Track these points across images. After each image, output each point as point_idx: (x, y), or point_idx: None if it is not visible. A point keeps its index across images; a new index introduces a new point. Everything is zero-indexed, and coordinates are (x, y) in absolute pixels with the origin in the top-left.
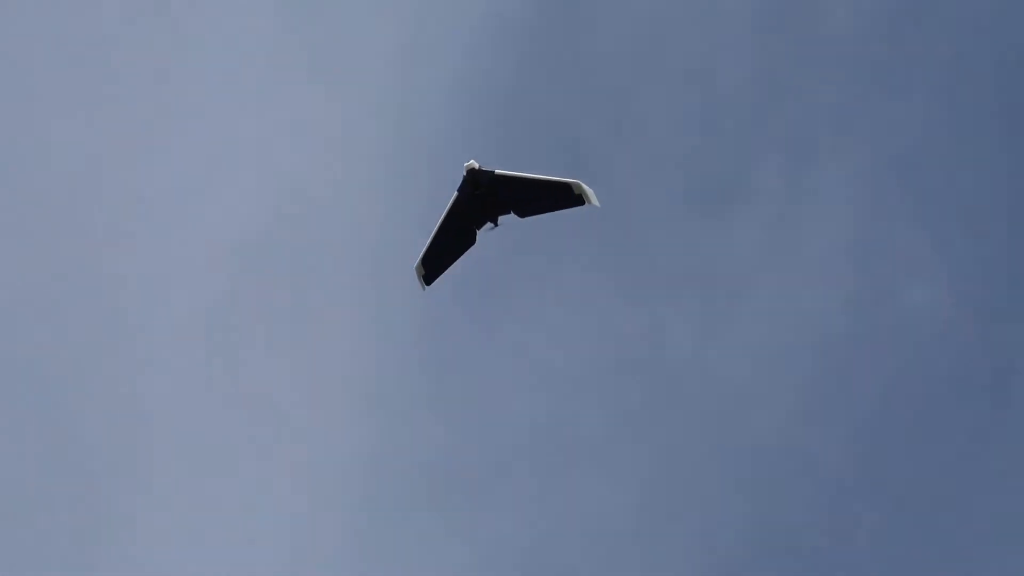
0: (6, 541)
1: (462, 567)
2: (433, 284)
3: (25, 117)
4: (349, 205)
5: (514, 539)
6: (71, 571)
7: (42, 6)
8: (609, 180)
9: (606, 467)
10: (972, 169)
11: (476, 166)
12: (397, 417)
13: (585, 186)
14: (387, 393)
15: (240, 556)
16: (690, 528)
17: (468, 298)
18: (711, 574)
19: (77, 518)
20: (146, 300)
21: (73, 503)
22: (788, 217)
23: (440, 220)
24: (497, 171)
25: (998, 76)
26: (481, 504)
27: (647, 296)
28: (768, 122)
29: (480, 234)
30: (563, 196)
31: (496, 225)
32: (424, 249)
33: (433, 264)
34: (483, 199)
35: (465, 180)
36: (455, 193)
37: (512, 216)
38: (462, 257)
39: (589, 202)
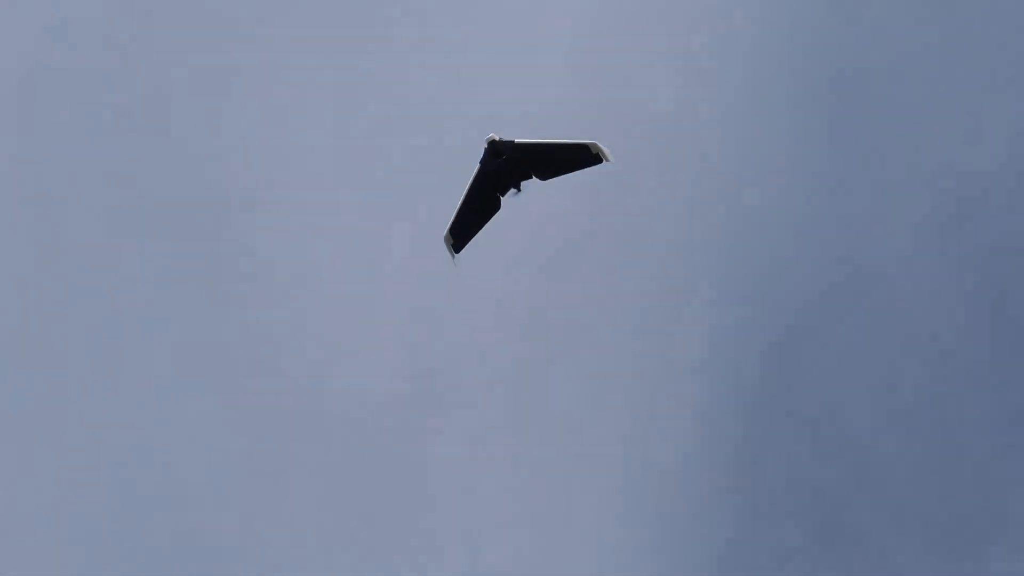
0: None
1: None
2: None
3: None
4: None
5: None
6: None
7: None
8: None
9: None
10: None
11: (496, 138)
12: None
13: (601, 145)
14: None
15: None
16: None
17: None
18: None
19: None
20: None
21: None
22: None
23: (465, 191)
24: (517, 140)
25: None
26: None
27: None
28: None
29: (505, 200)
30: (581, 156)
31: (520, 191)
32: (451, 219)
33: (461, 233)
34: (505, 167)
35: (487, 151)
36: (478, 165)
37: (535, 181)
38: (488, 223)
39: (606, 159)
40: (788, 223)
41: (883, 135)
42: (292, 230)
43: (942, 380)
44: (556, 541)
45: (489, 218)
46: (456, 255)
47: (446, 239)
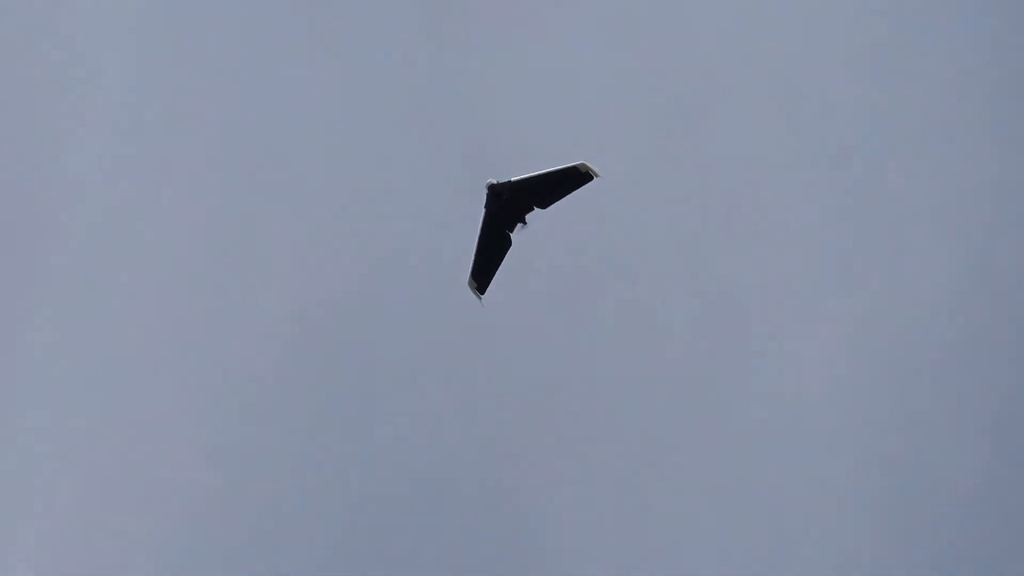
0: None
1: None
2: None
3: None
4: None
5: None
6: None
7: None
8: None
9: None
10: None
11: (495, 181)
12: None
13: (589, 163)
14: None
15: None
16: None
17: None
18: None
19: None
20: None
21: None
22: None
23: (478, 237)
24: (513, 178)
25: None
26: None
27: None
28: None
29: (514, 235)
30: (573, 178)
31: (526, 224)
32: (471, 265)
33: (482, 275)
34: (508, 206)
35: (488, 195)
36: (483, 211)
37: (536, 211)
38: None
39: (596, 175)
40: None
41: None
42: None
43: None
44: None
45: (503, 255)
46: (482, 296)
47: (470, 284)
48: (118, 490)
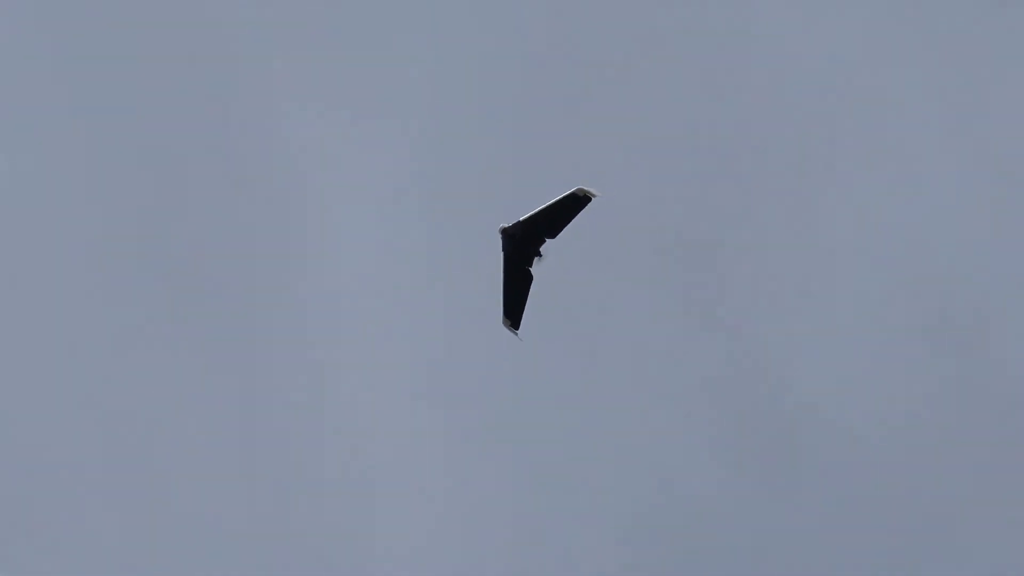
0: None
1: None
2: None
3: None
4: None
5: None
6: None
7: None
8: None
9: None
10: None
11: (506, 225)
12: None
13: (585, 187)
14: None
15: None
16: None
17: None
18: None
19: None
20: None
21: None
22: None
23: (503, 279)
24: (521, 218)
25: None
26: None
27: None
28: None
29: (534, 270)
30: (574, 204)
31: (542, 256)
32: (502, 307)
33: (514, 312)
34: (522, 244)
35: (503, 239)
36: (501, 254)
37: (548, 242)
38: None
39: (595, 196)
40: None
41: None
42: None
43: None
44: None
45: (528, 290)
46: (518, 331)
47: (505, 323)
48: None
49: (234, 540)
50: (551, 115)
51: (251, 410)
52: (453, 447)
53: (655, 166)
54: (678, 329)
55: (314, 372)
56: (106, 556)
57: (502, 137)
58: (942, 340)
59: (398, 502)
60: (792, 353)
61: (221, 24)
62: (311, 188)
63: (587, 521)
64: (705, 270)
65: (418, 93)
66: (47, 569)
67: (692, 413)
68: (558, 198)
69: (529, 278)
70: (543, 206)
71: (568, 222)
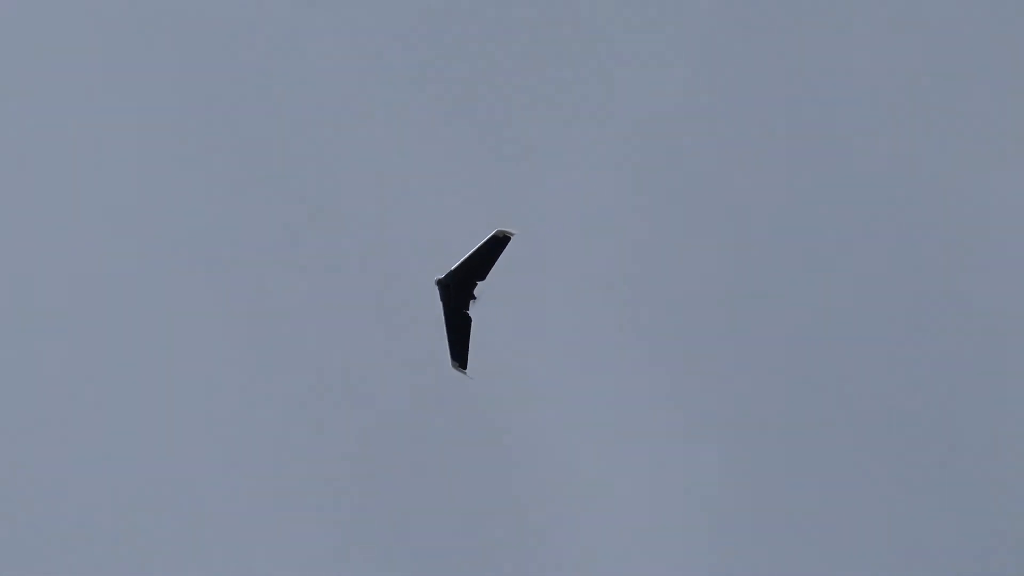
0: None
1: None
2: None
3: None
4: None
5: None
6: None
7: None
8: None
9: None
10: None
11: (440, 276)
12: None
13: (504, 229)
14: None
15: None
16: None
17: None
18: None
19: None
20: None
21: None
22: None
23: (445, 325)
24: (451, 268)
25: None
26: None
27: None
28: None
29: (471, 313)
30: (497, 246)
31: (476, 297)
32: (449, 350)
33: (459, 354)
34: (455, 291)
35: (440, 291)
36: (440, 303)
37: (479, 285)
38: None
39: (512, 235)
40: None
41: None
42: None
43: None
44: None
45: (470, 330)
46: (466, 371)
47: (454, 366)
48: None
49: None
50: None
51: None
52: None
53: None
54: None
55: None
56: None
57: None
58: None
59: None
60: None
61: None
62: None
63: None
64: None
65: None
66: None
67: None
68: (482, 242)
69: (468, 320)
70: (470, 252)
71: (494, 263)
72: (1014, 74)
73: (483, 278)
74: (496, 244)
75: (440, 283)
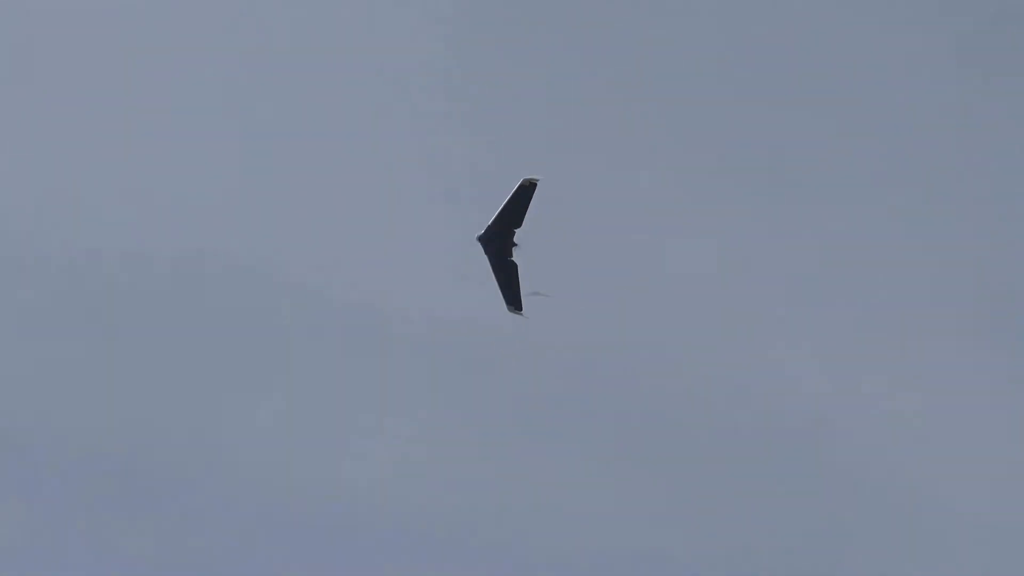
0: None
1: None
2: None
3: None
4: None
5: None
6: None
7: None
8: None
9: None
10: None
11: (480, 233)
12: None
13: (529, 177)
14: None
15: None
16: None
17: None
18: None
19: None
20: None
21: None
22: None
23: (493, 275)
24: (489, 222)
25: None
26: None
27: None
28: None
29: (515, 258)
30: (525, 194)
31: (516, 244)
32: (502, 296)
33: (513, 299)
34: (496, 241)
35: (483, 244)
36: (487, 257)
37: (516, 232)
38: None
39: (538, 180)
40: None
41: None
42: None
43: None
44: None
45: (517, 276)
46: (523, 313)
47: (510, 310)
48: None
49: None
50: None
51: None
52: None
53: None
54: None
55: None
56: None
57: None
58: None
59: None
60: None
61: None
62: None
63: None
64: None
65: None
66: None
67: None
68: (511, 193)
69: (515, 266)
70: (502, 205)
71: (526, 210)
72: None
73: (519, 225)
74: (523, 192)
75: (481, 239)
